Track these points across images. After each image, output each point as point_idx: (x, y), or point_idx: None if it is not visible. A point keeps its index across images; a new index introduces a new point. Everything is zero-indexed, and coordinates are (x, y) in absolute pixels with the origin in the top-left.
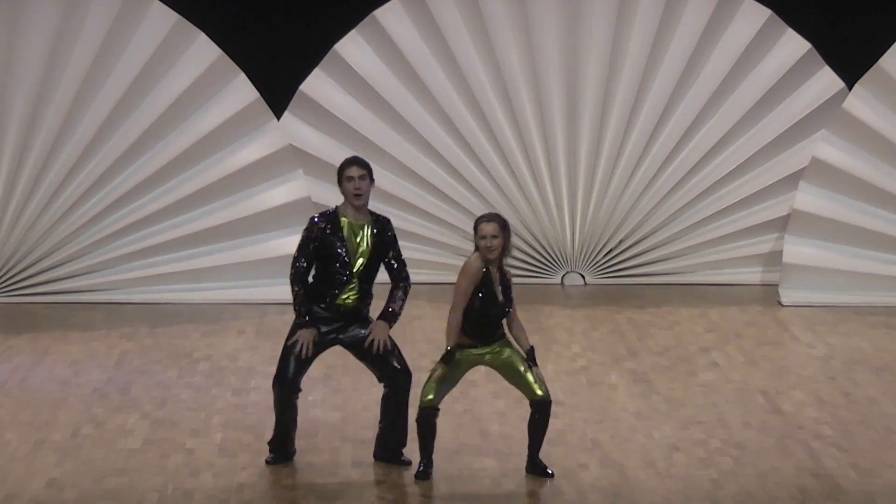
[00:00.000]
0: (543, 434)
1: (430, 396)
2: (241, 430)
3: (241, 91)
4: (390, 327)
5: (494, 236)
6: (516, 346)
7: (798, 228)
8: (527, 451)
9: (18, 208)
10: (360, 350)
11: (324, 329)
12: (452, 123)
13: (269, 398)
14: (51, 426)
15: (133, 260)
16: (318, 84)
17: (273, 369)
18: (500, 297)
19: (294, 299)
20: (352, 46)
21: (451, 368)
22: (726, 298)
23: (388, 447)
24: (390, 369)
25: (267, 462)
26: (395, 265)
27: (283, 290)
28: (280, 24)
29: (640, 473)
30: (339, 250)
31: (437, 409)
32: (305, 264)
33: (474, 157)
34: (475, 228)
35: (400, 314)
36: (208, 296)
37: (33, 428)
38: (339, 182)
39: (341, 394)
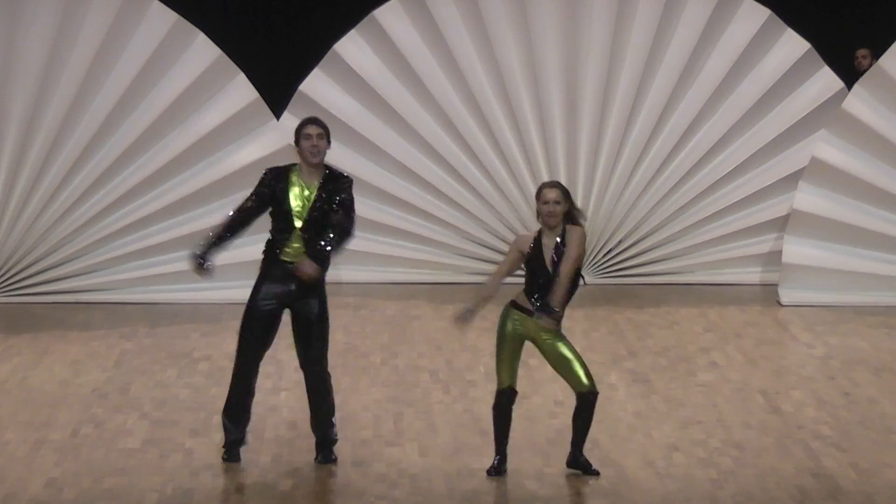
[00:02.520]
0: (587, 427)
1: (500, 380)
2: None
3: (241, 91)
4: (319, 266)
5: (557, 202)
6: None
7: (797, 228)
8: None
9: (18, 208)
10: (300, 329)
11: (278, 289)
12: (452, 123)
13: (268, 398)
14: (50, 426)
15: (133, 260)
16: (317, 84)
17: (272, 369)
18: (548, 269)
19: (213, 232)
20: (351, 46)
21: (504, 342)
22: (726, 298)
23: (316, 441)
24: (308, 357)
25: (224, 459)
26: (337, 210)
27: None
28: (280, 24)
29: (639, 473)
30: (284, 200)
31: (512, 392)
32: (252, 207)
33: (473, 156)
34: (538, 194)
35: (328, 252)
36: (208, 296)
37: (32, 428)
38: (297, 141)
39: (340, 394)
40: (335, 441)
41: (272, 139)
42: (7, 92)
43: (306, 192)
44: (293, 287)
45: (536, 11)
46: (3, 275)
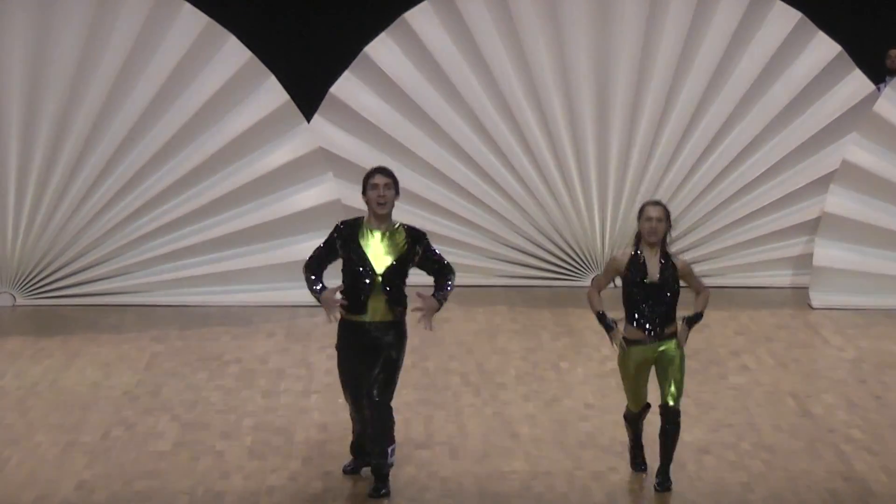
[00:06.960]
0: (672, 445)
1: (628, 405)
2: (271, 432)
3: (272, 93)
4: (438, 307)
5: (660, 220)
6: (681, 351)
7: (829, 231)
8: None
9: (49, 210)
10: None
11: (361, 352)
12: (482, 126)
13: (298, 400)
14: (81, 428)
15: (164, 262)
16: (348, 86)
17: (303, 372)
18: (653, 281)
19: (308, 282)
20: (382, 49)
21: (630, 379)
22: (757, 301)
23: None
24: (368, 388)
25: (344, 470)
26: (438, 267)
27: None
28: (310, 27)
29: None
30: (360, 253)
31: (642, 409)
32: (322, 252)
33: (504, 159)
34: (641, 212)
35: (445, 298)
36: (239, 298)
37: (63, 430)
38: (364, 191)
39: None
40: (385, 469)
41: (303, 142)
42: (39, 94)
43: (380, 243)
44: (373, 341)
45: (567, 14)
46: (35, 277)
